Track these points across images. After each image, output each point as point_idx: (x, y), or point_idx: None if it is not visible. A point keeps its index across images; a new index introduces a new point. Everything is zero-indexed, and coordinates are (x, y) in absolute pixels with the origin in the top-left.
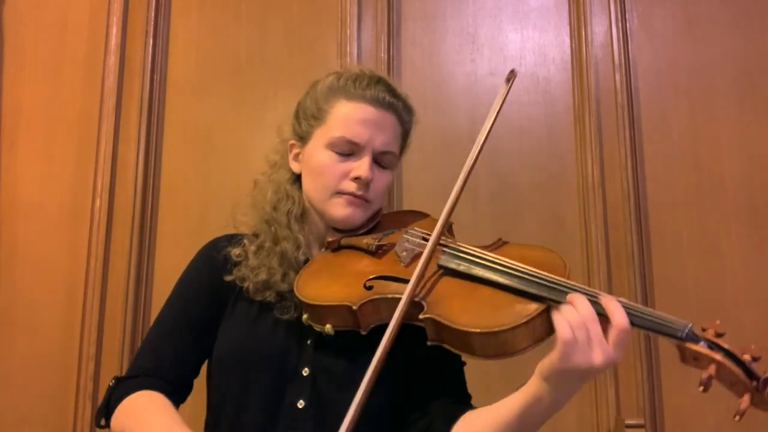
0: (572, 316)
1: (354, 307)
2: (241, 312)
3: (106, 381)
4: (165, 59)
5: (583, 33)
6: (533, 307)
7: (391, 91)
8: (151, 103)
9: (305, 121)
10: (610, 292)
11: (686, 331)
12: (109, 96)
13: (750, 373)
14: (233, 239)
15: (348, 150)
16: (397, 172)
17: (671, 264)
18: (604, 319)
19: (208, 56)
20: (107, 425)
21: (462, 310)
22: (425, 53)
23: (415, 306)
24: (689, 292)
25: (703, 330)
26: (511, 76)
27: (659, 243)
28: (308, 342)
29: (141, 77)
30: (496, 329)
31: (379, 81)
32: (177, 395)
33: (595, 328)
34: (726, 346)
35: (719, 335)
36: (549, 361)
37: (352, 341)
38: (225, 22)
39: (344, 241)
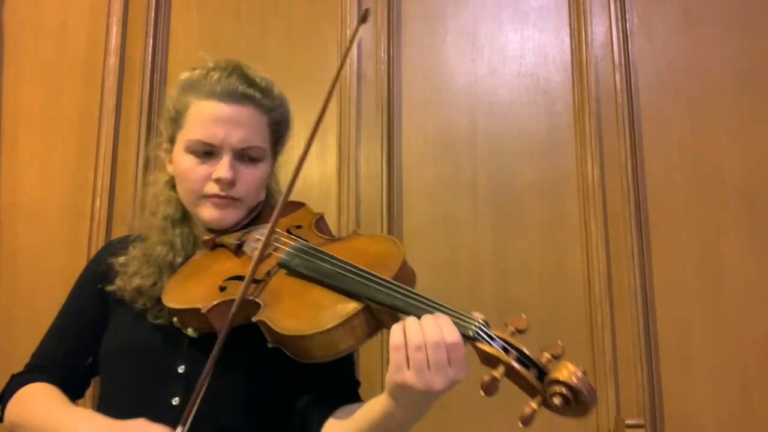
0: (411, 336)
1: (203, 311)
2: (122, 316)
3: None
4: (165, 59)
5: (583, 33)
6: (351, 308)
7: (247, 80)
8: (151, 103)
9: (168, 124)
10: (609, 292)
11: (474, 328)
12: (109, 96)
13: (540, 373)
14: (119, 245)
15: (205, 151)
16: (396, 171)
17: (671, 264)
18: None
19: (214, 56)
20: (1, 419)
21: (288, 314)
22: (425, 53)
23: (254, 306)
24: (689, 292)
25: (505, 325)
26: (366, 14)
27: (659, 243)
28: (185, 341)
29: (141, 77)
30: (313, 331)
31: (231, 72)
32: (70, 389)
33: (437, 353)
34: (520, 346)
35: (519, 332)
36: (388, 377)
37: (229, 340)
38: (225, 22)
39: (218, 240)
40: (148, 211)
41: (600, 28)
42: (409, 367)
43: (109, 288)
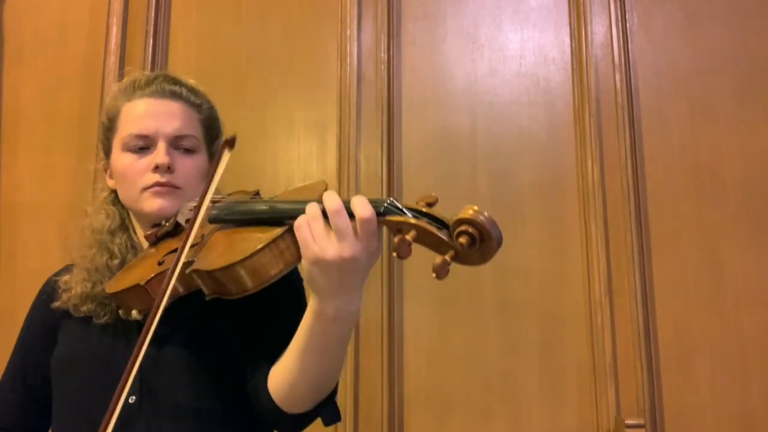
0: (308, 210)
1: (142, 284)
2: (70, 329)
3: None
4: (165, 59)
5: (583, 33)
6: (276, 231)
7: (173, 80)
8: None
9: (103, 135)
10: (609, 292)
11: (386, 205)
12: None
13: (447, 229)
14: (66, 269)
15: (142, 144)
16: (396, 171)
17: (671, 264)
18: (353, 218)
19: (208, 56)
20: None
21: (219, 255)
22: (425, 53)
23: (190, 265)
24: (689, 292)
25: (416, 203)
26: (232, 141)
27: (659, 243)
28: (135, 337)
29: None
30: (240, 258)
31: (157, 77)
32: None
33: (339, 219)
34: (427, 210)
35: (429, 205)
36: (303, 261)
37: (177, 329)
38: (225, 22)
39: (160, 232)
40: (87, 231)
41: (600, 28)
42: (314, 239)
43: (56, 304)
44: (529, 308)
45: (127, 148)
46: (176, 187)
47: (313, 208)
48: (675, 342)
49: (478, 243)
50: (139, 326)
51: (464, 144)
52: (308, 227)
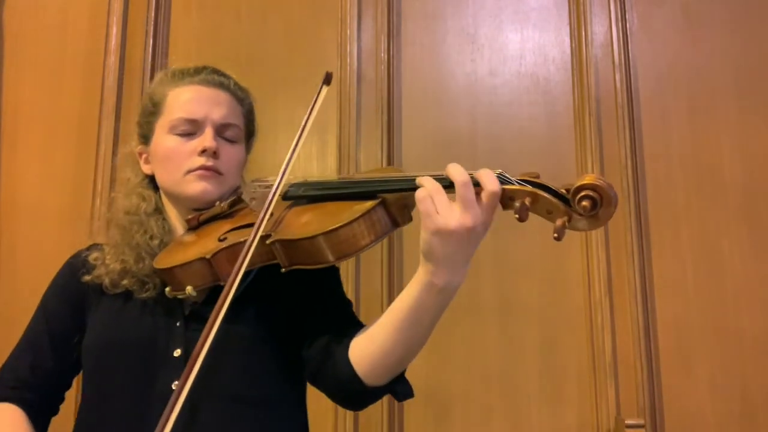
0: (428, 184)
1: (207, 257)
2: (105, 307)
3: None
4: (165, 59)
5: (583, 33)
6: (368, 204)
7: (219, 72)
8: None
9: (144, 119)
10: (609, 292)
11: (496, 175)
12: (109, 96)
13: (561, 197)
14: (93, 247)
15: (189, 129)
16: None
17: (671, 264)
18: (478, 188)
19: (208, 56)
20: None
21: (304, 225)
22: (425, 53)
23: (265, 240)
24: (689, 292)
25: (520, 177)
26: (328, 77)
27: (659, 243)
28: (177, 324)
29: (141, 77)
30: (334, 226)
31: (206, 67)
32: (38, 407)
33: (467, 191)
34: (537, 180)
35: (534, 176)
36: (422, 238)
37: (229, 312)
38: (225, 22)
39: (202, 217)
40: (121, 213)
41: (600, 28)
42: (437, 210)
43: (87, 277)
44: (529, 308)
45: (174, 132)
46: (219, 173)
47: (432, 182)
48: (675, 342)
49: (598, 207)
50: (181, 304)
51: (464, 144)
52: (431, 199)
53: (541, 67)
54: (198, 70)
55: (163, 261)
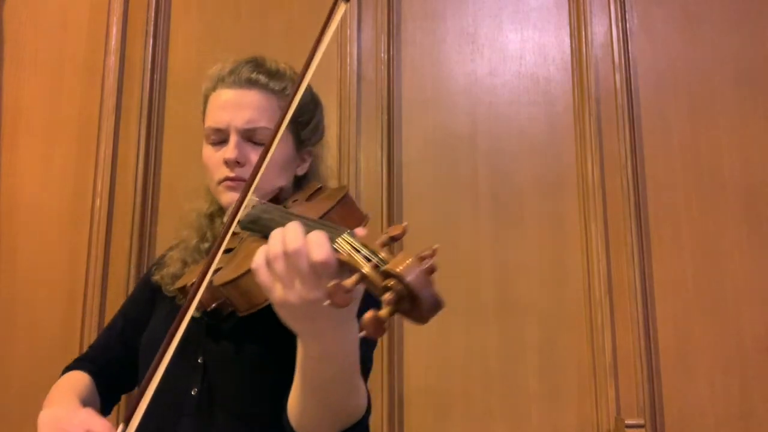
0: (270, 249)
1: (187, 287)
2: (160, 307)
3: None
4: (165, 59)
5: (583, 33)
6: None
7: (256, 67)
8: (151, 103)
9: (203, 123)
10: (609, 292)
11: (339, 238)
12: (109, 96)
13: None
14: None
15: (218, 138)
16: (396, 171)
17: (671, 264)
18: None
19: (208, 56)
20: None
21: (232, 269)
22: (425, 53)
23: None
24: (689, 292)
25: (384, 233)
26: None
27: (659, 243)
28: (203, 331)
29: (141, 77)
30: (236, 275)
31: (245, 62)
32: (101, 385)
33: (299, 261)
34: (370, 246)
35: (393, 239)
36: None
37: (240, 326)
38: (225, 22)
39: None
40: (194, 214)
41: (600, 28)
42: (274, 283)
43: (155, 278)
44: (529, 308)
45: (208, 141)
46: (245, 181)
47: (275, 245)
48: (675, 342)
49: (407, 301)
50: (207, 329)
51: (464, 144)
52: (266, 269)
53: (541, 67)
54: (232, 70)
55: (180, 280)
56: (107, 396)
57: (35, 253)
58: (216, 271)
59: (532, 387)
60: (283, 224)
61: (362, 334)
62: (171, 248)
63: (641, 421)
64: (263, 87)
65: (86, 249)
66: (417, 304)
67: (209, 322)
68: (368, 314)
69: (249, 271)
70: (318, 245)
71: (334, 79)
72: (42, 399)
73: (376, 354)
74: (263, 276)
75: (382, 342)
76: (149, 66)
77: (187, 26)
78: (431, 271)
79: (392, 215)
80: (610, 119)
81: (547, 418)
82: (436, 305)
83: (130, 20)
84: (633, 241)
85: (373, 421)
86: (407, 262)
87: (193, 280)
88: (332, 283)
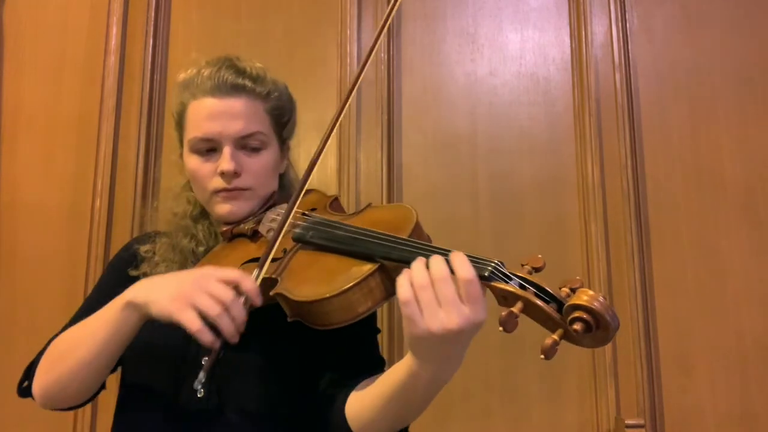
0: (416, 276)
1: None
2: None
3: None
4: (165, 59)
5: (583, 33)
6: (366, 269)
7: (236, 71)
8: (151, 103)
9: (175, 130)
10: (609, 292)
11: (490, 269)
12: (109, 96)
13: (557, 305)
14: (148, 237)
15: (207, 147)
16: (396, 171)
17: (671, 264)
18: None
19: (208, 56)
20: (27, 392)
21: (303, 282)
22: (425, 53)
23: (273, 284)
24: (689, 292)
25: (522, 266)
26: None
27: (659, 243)
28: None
29: (141, 77)
30: (328, 295)
31: (221, 66)
32: None
33: (445, 288)
34: (535, 280)
35: (536, 270)
36: (405, 332)
37: (254, 328)
38: (225, 22)
39: (235, 230)
40: (170, 213)
41: (600, 28)
42: (422, 314)
43: (134, 272)
44: None
45: (194, 151)
46: (244, 189)
47: (420, 275)
48: (675, 342)
49: (594, 330)
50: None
51: (464, 144)
52: (415, 302)
53: (541, 67)
54: (211, 75)
55: None
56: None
57: (35, 253)
58: (266, 279)
59: (532, 387)
60: (365, 240)
61: (544, 357)
62: (138, 241)
63: (641, 421)
64: (250, 92)
65: (86, 248)
66: (603, 330)
67: None
68: (549, 340)
69: (351, 288)
70: (462, 264)
71: (334, 79)
72: None
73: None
74: (411, 309)
75: (383, 342)
76: (149, 66)
77: (187, 26)
78: (606, 299)
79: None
80: (610, 119)
81: (547, 418)
82: (618, 327)
83: (130, 20)
84: (633, 241)
85: None
86: (587, 294)
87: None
88: (505, 312)
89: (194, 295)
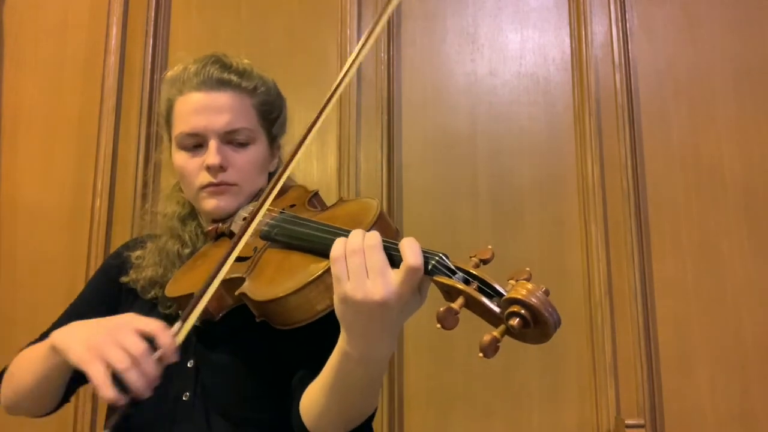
0: (351, 241)
1: (195, 293)
2: (135, 311)
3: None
4: (165, 59)
5: (583, 33)
6: (322, 265)
7: (222, 66)
8: (151, 103)
9: (164, 129)
10: (609, 292)
11: (433, 262)
12: (109, 96)
13: (499, 302)
14: (137, 242)
15: (194, 143)
16: (396, 171)
17: (671, 264)
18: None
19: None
20: None
21: (266, 282)
22: (425, 53)
23: (239, 282)
24: (689, 292)
25: (470, 258)
26: None
27: (659, 243)
28: (193, 335)
29: (141, 77)
30: (284, 294)
31: (207, 62)
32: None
33: (376, 255)
34: (478, 273)
35: (483, 262)
36: (334, 296)
37: (234, 331)
38: (225, 22)
39: (219, 229)
40: (160, 214)
41: (600, 28)
42: (348, 278)
43: (124, 279)
44: None
45: (181, 147)
46: (231, 185)
47: (355, 241)
48: (675, 342)
49: (532, 325)
50: (198, 333)
51: (464, 144)
52: (344, 261)
53: (541, 67)
54: (197, 71)
55: (170, 286)
56: (72, 378)
57: (35, 253)
58: (234, 279)
59: (533, 387)
60: (323, 236)
61: (482, 355)
62: (128, 247)
63: (641, 421)
64: (236, 87)
65: (86, 248)
66: (542, 326)
67: (201, 327)
68: (488, 337)
69: (306, 285)
70: (413, 251)
71: (334, 79)
72: None
73: None
74: (338, 266)
75: None
76: (149, 66)
77: (187, 26)
78: (548, 293)
79: (392, 215)
80: (610, 119)
81: (547, 418)
82: (559, 323)
83: (130, 20)
84: (633, 241)
85: (374, 421)
86: (526, 288)
87: (186, 289)
88: (443, 308)
89: (105, 347)
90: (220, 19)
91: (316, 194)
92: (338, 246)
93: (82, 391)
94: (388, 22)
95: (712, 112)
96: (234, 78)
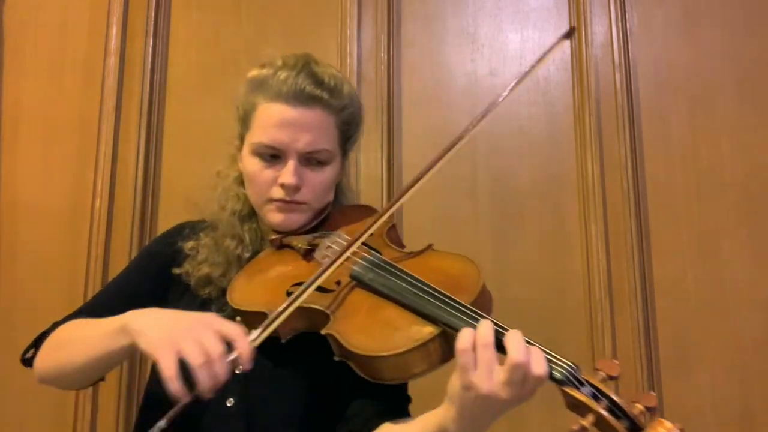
0: (481, 334)
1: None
2: (184, 306)
3: (106, 382)
4: (165, 59)
5: (583, 33)
6: (426, 332)
7: (315, 80)
8: (151, 103)
9: (238, 124)
10: (609, 292)
11: (565, 373)
12: (109, 96)
13: (632, 427)
14: (190, 230)
15: (271, 153)
16: (396, 172)
17: (671, 264)
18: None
19: (208, 56)
20: (30, 363)
21: (359, 330)
22: (425, 53)
23: (322, 317)
24: (689, 292)
25: (596, 370)
26: (570, 32)
27: (659, 243)
28: None
29: (141, 77)
30: (386, 354)
31: (300, 71)
32: None
33: (514, 372)
34: (612, 394)
35: (611, 378)
36: (452, 381)
37: (293, 349)
38: (225, 22)
39: (285, 240)
40: (218, 204)
41: (600, 28)
42: (476, 368)
43: (177, 271)
44: (529, 308)
45: (257, 154)
46: (301, 203)
47: (484, 333)
48: (675, 342)
49: None
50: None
51: (464, 144)
52: (472, 354)
53: (541, 67)
54: (290, 76)
55: (235, 294)
56: None
57: (35, 253)
58: (314, 310)
59: None
60: (429, 301)
61: None
62: (182, 236)
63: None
64: (325, 105)
65: (86, 249)
66: None
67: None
68: None
69: (411, 350)
70: (538, 361)
71: None
72: (42, 399)
73: None
74: (466, 357)
75: None
76: (149, 66)
77: (187, 26)
78: (682, 430)
79: (392, 216)
80: (610, 119)
81: (547, 418)
82: None
83: (130, 20)
84: (633, 241)
85: None
86: (665, 427)
87: (256, 305)
88: (577, 427)
89: (183, 340)
90: (220, 19)
91: (393, 227)
92: (467, 338)
93: (81, 391)
94: (388, 22)
95: (712, 112)
96: (325, 96)
